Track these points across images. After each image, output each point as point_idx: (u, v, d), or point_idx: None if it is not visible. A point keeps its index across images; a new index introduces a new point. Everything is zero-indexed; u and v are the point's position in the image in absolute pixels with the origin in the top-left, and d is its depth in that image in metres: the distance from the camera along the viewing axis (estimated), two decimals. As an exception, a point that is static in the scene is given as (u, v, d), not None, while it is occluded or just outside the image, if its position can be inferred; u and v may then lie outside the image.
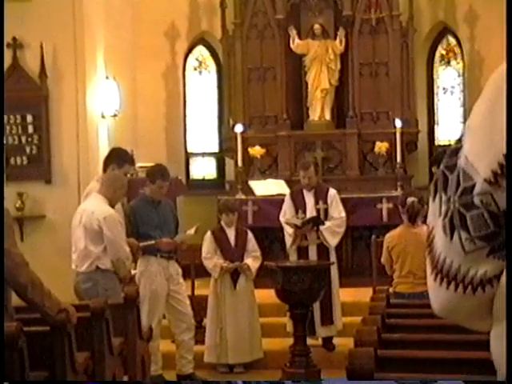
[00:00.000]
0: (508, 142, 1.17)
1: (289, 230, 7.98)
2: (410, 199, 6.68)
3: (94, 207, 6.08)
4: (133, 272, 6.84)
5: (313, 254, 7.95)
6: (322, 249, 7.95)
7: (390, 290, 6.67)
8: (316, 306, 7.60)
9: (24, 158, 9.70)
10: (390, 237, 6.82)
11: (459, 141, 1.26)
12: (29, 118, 9.69)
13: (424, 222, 6.59)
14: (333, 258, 7.97)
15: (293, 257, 8.00)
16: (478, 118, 1.23)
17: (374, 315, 4.77)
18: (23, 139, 9.70)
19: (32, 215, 9.57)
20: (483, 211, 1.19)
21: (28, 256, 4.24)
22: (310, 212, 7.96)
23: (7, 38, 9.53)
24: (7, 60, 9.62)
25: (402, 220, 6.83)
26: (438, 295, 1.26)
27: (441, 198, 1.25)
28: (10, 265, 4.03)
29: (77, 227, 6.14)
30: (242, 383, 7.18)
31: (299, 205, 8.02)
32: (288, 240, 8.03)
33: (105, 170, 6.55)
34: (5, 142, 9.43)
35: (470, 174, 1.21)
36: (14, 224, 4.72)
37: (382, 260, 6.91)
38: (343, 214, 8.01)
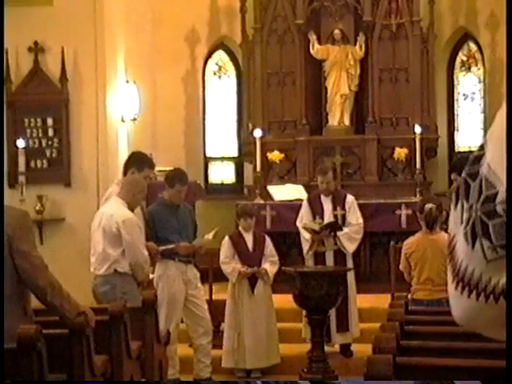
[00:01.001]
0: (508, 144, 1.16)
1: (306, 236, 7.95)
2: (428, 206, 6.65)
3: (114, 210, 6.10)
4: (151, 276, 6.85)
5: (330, 259, 7.92)
6: (339, 255, 7.92)
7: (409, 296, 6.64)
8: (332, 313, 7.57)
9: (44, 161, 9.76)
10: (408, 243, 6.79)
11: (481, 148, 1.25)
12: (49, 122, 9.75)
13: (442, 228, 6.56)
14: (350, 264, 7.94)
15: (309, 262, 7.97)
16: (500, 126, 1.22)
17: (392, 322, 4.75)
18: (43, 142, 9.76)
19: (51, 218, 9.62)
20: (505, 220, 1.18)
21: (47, 259, 4.26)
22: (328, 218, 7.93)
23: (29, 42, 9.61)
24: (29, 64, 9.69)
25: (420, 226, 6.80)
26: (459, 304, 1.25)
27: (462, 205, 1.24)
28: (30, 267, 4.05)
29: (96, 230, 6.17)
30: (261, 383, 7.17)
31: (317, 210, 7.99)
32: (305, 245, 8.00)
33: (125, 173, 6.57)
34: (25, 145, 9.48)
35: (492, 182, 1.20)
36: (33, 227, 4.74)
37: (401, 267, 6.88)
38: (361, 221, 7.98)
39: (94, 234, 6.21)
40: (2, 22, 8.81)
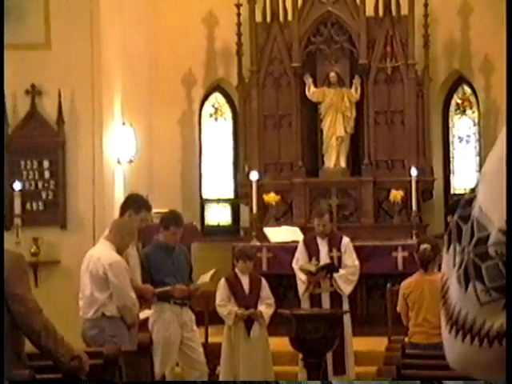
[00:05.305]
0: (508, 167, 1.16)
1: (301, 277, 7.94)
2: (423, 246, 6.66)
3: (100, 253, 6.10)
4: (147, 313, 6.80)
5: (326, 301, 7.90)
6: (335, 297, 7.90)
7: (406, 339, 6.60)
8: (329, 355, 7.52)
9: (40, 203, 9.75)
10: (406, 284, 6.78)
11: (473, 190, 1.25)
12: (45, 164, 9.76)
13: (439, 269, 6.55)
14: (346, 306, 7.92)
15: (305, 304, 7.95)
16: (491, 167, 1.23)
17: (389, 366, 4.72)
18: (39, 184, 9.76)
19: (47, 260, 9.58)
20: (498, 262, 1.18)
21: (42, 302, 4.24)
22: (324, 259, 7.93)
23: (26, 85, 9.66)
24: (26, 106, 9.73)
25: (418, 268, 6.80)
26: (453, 347, 1.24)
27: (455, 248, 1.24)
28: (24, 311, 4.02)
29: (84, 273, 6.15)
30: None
31: (313, 252, 7.99)
32: (300, 287, 7.98)
33: (122, 215, 6.57)
34: (21, 187, 9.48)
35: (484, 225, 1.19)
36: (28, 269, 4.72)
37: (398, 308, 6.86)
38: (357, 263, 7.98)
39: (82, 277, 6.19)
40: (2, 31, 8.82)
